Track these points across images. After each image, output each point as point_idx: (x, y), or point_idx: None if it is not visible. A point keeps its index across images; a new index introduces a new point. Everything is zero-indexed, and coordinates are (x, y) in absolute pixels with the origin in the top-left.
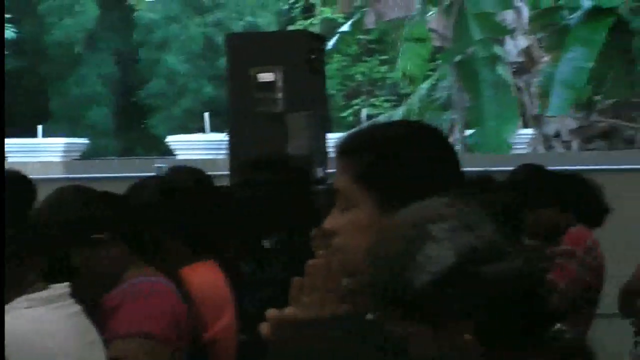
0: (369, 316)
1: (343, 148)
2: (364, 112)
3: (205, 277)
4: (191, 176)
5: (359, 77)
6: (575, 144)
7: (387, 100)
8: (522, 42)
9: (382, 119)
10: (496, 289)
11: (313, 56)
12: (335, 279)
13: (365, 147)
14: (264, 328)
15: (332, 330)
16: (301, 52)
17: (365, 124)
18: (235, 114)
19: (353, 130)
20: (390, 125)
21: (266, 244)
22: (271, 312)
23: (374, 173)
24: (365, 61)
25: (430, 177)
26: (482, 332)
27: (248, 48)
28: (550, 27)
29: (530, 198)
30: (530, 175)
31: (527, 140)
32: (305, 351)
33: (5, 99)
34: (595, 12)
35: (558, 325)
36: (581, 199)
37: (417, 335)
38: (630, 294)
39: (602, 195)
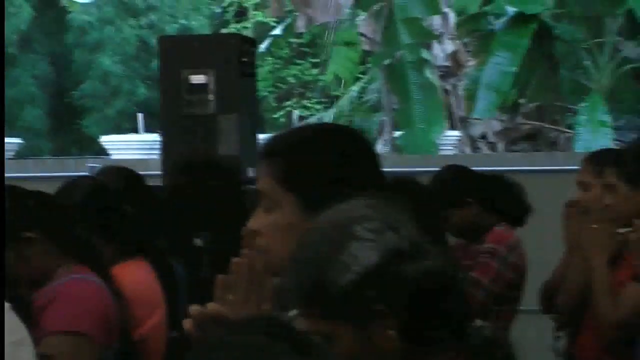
0: (292, 315)
1: (265, 151)
2: (295, 114)
3: (136, 276)
4: (121, 176)
5: (291, 79)
6: (500, 146)
7: (318, 102)
8: (449, 46)
9: (313, 120)
10: (418, 287)
11: (244, 59)
12: (259, 278)
13: (287, 150)
14: (187, 324)
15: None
16: (232, 55)
17: (295, 125)
18: (167, 115)
19: (275, 133)
20: (311, 128)
21: (197, 242)
22: (194, 309)
23: (296, 176)
24: (297, 64)
25: (351, 179)
26: (404, 329)
27: (180, 51)
28: (476, 32)
29: (455, 198)
30: (455, 176)
31: (454, 142)
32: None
33: None
34: (520, 19)
35: (478, 321)
36: (504, 199)
37: (341, 333)
38: (550, 291)
39: (524, 195)
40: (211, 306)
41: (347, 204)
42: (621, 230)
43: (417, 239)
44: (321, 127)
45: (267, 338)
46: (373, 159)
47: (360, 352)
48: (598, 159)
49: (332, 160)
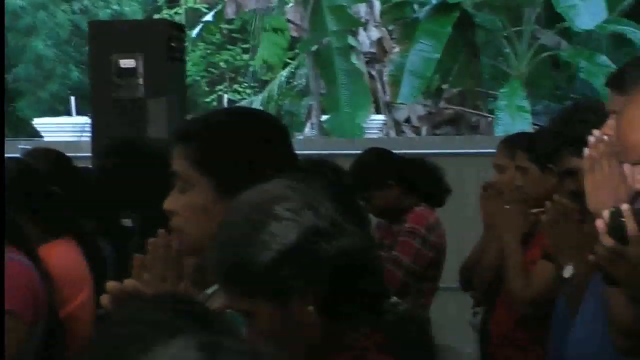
0: (211, 292)
1: (179, 134)
2: (225, 98)
3: (63, 255)
4: (49, 158)
5: (222, 64)
6: (424, 130)
7: (249, 87)
8: (375, 33)
9: (243, 104)
10: (336, 265)
11: (172, 44)
12: (174, 257)
13: (200, 134)
14: (104, 299)
15: (157, 304)
16: (161, 40)
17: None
18: (97, 99)
19: (190, 117)
20: (224, 112)
21: (126, 223)
22: (110, 284)
23: (209, 159)
24: (229, 49)
25: (264, 161)
26: (322, 305)
27: (109, 35)
28: (401, 20)
29: (376, 180)
30: (376, 159)
31: (379, 126)
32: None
33: None
34: (442, 7)
35: (394, 298)
36: (424, 181)
37: (261, 310)
38: (469, 269)
39: (443, 177)
40: (127, 282)
41: (267, 185)
42: (533, 211)
43: (335, 218)
44: (234, 111)
45: (172, 314)
46: (286, 141)
47: (280, 328)
48: (512, 143)
49: (245, 143)
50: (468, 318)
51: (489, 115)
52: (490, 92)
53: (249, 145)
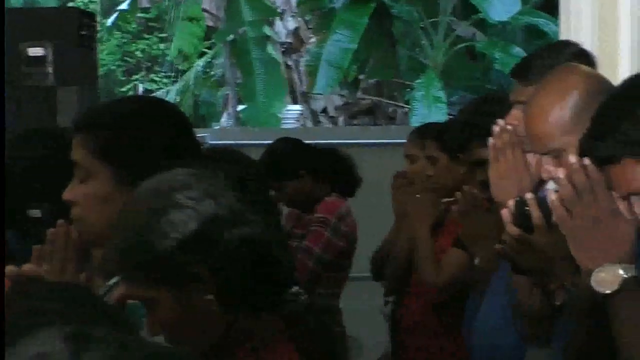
0: (113, 282)
1: (79, 124)
2: (141, 88)
3: None
4: None
5: (139, 53)
6: (341, 120)
7: (166, 77)
8: (291, 23)
9: (159, 94)
10: (236, 253)
11: (83, 32)
12: (74, 247)
13: (100, 122)
14: (6, 284)
15: (51, 294)
16: (71, 28)
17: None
18: (7, 88)
19: (90, 107)
20: (125, 101)
21: (35, 213)
22: (9, 268)
23: (110, 147)
24: (145, 38)
25: (166, 150)
26: (223, 294)
27: (18, 23)
28: (317, 10)
29: (288, 170)
30: (287, 149)
31: (296, 116)
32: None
33: None
34: None
35: (295, 288)
36: (335, 171)
37: (161, 298)
38: (380, 258)
39: (354, 167)
40: (26, 266)
41: (168, 173)
42: (443, 200)
43: (237, 207)
44: (134, 100)
45: (49, 303)
46: (187, 130)
47: (181, 316)
48: (422, 133)
49: (145, 132)
50: (379, 307)
51: (406, 105)
52: (407, 82)
53: (150, 134)
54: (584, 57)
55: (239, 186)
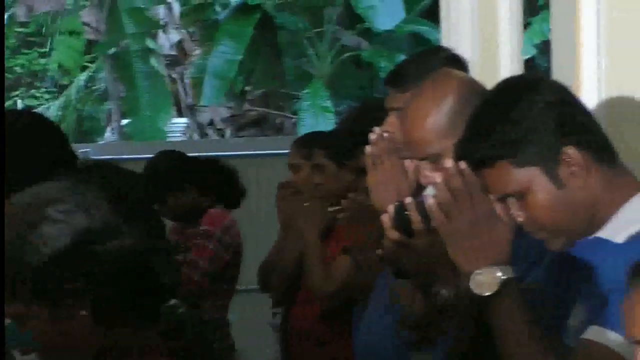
0: None
1: None
2: (20, 103)
3: None
4: None
5: (18, 69)
6: (228, 132)
7: (47, 92)
8: (175, 36)
9: (41, 110)
10: (110, 267)
11: None
12: None
13: None
14: None
15: None
16: None
17: None
18: None
19: None
20: None
21: None
22: None
23: None
24: (25, 53)
25: (38, 162)
26: (97, 309)
27: None
28: (201, 22)
29: (170, 182)
30: (170, 161)
31: (182, 129)
32: None
33: None
34: (243, 8)
35: (174, 301)
36: (219, 183)
37: (35, 314)
38: (267, 269)
39: (238, 178)
40: None
41: (41, 186)
42: (331, 209)
43: (111, 220)
44: (6, 114)
45: None
46: (62, 143)
47: (54, 333)
48: (307, 142)
49: (17, 145)
50: (268, 319)
51: (294, 116)
52: (294, 93)
53: (22, 147)
54: (457, 62)
55: (115, 199)
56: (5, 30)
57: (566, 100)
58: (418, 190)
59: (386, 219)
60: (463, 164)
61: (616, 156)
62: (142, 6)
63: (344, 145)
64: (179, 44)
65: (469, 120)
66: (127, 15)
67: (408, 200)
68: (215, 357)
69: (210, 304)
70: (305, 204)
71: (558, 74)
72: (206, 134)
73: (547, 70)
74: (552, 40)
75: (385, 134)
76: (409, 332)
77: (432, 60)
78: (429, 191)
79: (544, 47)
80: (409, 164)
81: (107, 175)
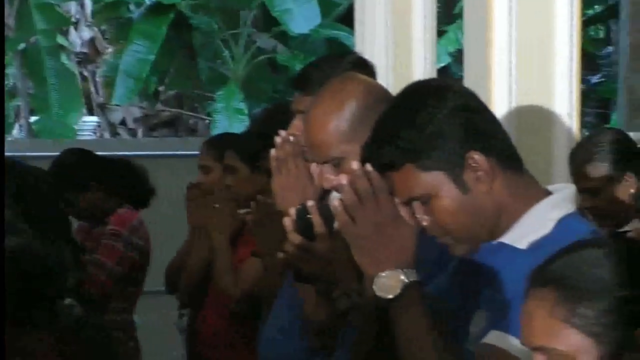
0: None
1: None
2: None
3: None
4: None
5: None
6: (140, 132)
7: None
8: (87, 33)
9: None
10: (6, 264)
11: None
12: None
13: None
14: None
15: None
16: None
17: None
18: None
19: None
20: None
21: None
22: None
23: None
24: None
25: None
26: None
27: None
28: (114, 20)
29: (77, 181)
30: (77, 160)
31: (92, 128)
32: None
33: None
34: (157, 8)
35: (69, 300)
36: (127, 182)
37: None
38: (175, 271)
39: (147, 177)
40: None
41: None
42: (241, 211)
43: (10, 217)
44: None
45: None
46: None
47: None
48: (218, 143)
49: None
50: (175, 321)
51: (207, 117)
52: (208, 94)
53: None
54: (363, 66)
55: (16, 196)
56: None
57: (472, 106)
58: (324, 194)
59: (288, 222)
60: (369, 167)
61: (522, 163)
62: (53, 2)
63: (254, 147)
64: (91, 42)
65: (376, 124)
66: (38, 10)
67: (310, 203)
68: (117, 359)
69: (116, 306)
70: (215, 206)
71: (470, 82)
72: (117, 134)
73: (461, 79)
74: (464, 49)
75: (291, 137)
76: (311, 338)
77: (338, 64)
78: (336, 195)
79: (459, 56)
80: (314, 167)
81: (9, 172)
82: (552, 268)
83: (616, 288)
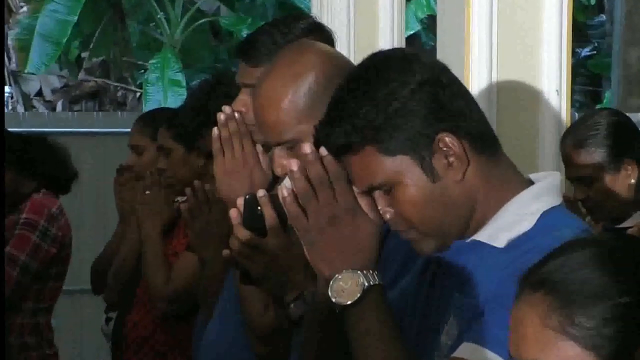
0: None
1: None
2: None
3: None
4: None
5: None
6: (59, 104)
7: None
8: None
9: None
10: None
11: None
12: None
13: None
14: None
15: None
16: None
17: None
18: None
19: None
20: None
21: None
22: None
23: None
24: None
25: None
26: None
27: None
28: None
29: None
30: None
31: (4, 99)
32: None
33: None
34: None
35: None
36: (45, 164)
37: None
38: (102, 267)
39: (69, 158)
40: None
41: None
42: (179, 199)
43: None
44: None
45: None
46: None
47: None
48: (151, 120)
49: None
50: (100, 324)
51: (138, 89)
52: (140, 62)
53: None
54: (320, 33)
55: None
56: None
57: (443, 80)
58: (275, 181)
59: (235, 215)
60: (324, 150)
61: (499, 147)
62: None
63: (192, 124)
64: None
65: (331, 100)
66: None
67: (261, 193)
68: None
69: (32, 305)
70: (146, 192)
71: (444, 53)
72: (33, 106)
73: (434, 49)
74: (437, 14)
75: (236, 114)
76: (258, 345)
77: (290, 30)
78: (286, 183)
79: (431, 23)
80: (260, 148)
81: None
82: (545, 270)
83: (619, 293)
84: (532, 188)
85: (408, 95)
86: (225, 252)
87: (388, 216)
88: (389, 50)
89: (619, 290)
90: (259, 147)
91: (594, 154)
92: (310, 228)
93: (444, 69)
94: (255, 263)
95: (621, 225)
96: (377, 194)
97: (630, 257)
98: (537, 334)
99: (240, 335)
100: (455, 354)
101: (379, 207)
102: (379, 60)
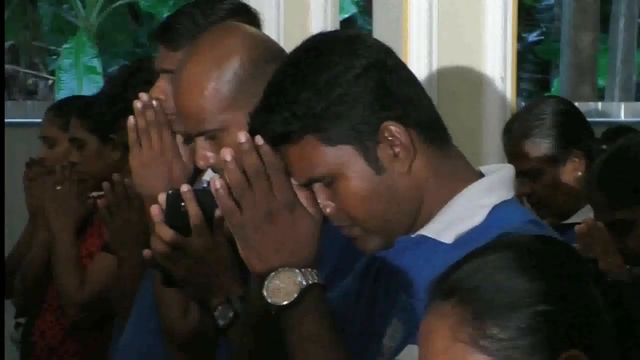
0: None
1: None
2: None
3: None
4: None
5: None
6: None
7: None
8: None
9: None
10: None
11: None
12: None
13: None
14: None
15: None
16: None
17: None
18: None
19: None
20: None
21: None
22: None
23: None
24: None
25: None
26: None
27: None
28: None
29: None
30: None
31: None
32: None
33: None
34: None
35: None
36: None
37: None
38: (11, 269)
39: None
40: None
41: None
42: (92, 194)
43: None
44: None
45: None
46: None
47: None
48: (64, 110)
49: None
50: (9, 331)
51: (50, 76)
52: (52, 47)
53: None
54: (245, 14)
55: None
56: None
57: (389, 64)
58: (197, 175)
59: (156, 212)
60: (260, 139)
61: (448, 137)
62: None
63: (107, 114)
64: None
65: (267, 86)
66: None
67: (185, 188)
68: None
69: None
70: (57, 188)
71: (381, 37)
72: None
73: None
74: None
75: (154, 102)
76: (177, 354)
77: (212, 11)
78: (211, 175)
79: (367, 5)
80: (179, 139)
81: None
82: (457, 276)
83: (536, 300)
84: (482, 181)
85: (352, 80)
86: (146, 252)
87: (329, 211)
88: (331, 32)
89: (537, 297)
90: (179, 138)
91: (540, 146)
92: (244, 223)
93: (389, 52)
94: (178, 264)
95: (568, 221)
96: (317, 186)
97: (550, 260)
98: (447, 347)
99: (158, 343)
100: (399, 356)
101: (319, 201)
102: (321, 42)
